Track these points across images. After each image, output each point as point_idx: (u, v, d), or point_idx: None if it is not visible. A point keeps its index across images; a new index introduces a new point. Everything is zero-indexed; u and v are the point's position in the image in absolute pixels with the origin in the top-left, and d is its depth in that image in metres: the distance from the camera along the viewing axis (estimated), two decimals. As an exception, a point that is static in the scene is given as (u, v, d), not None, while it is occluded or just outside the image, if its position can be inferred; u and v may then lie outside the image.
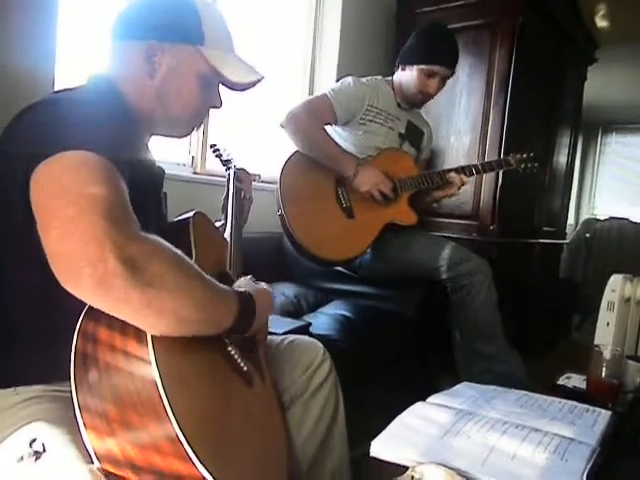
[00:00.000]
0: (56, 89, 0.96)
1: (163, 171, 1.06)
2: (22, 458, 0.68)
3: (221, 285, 0.79)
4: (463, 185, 2.10)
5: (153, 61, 0.93)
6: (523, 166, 2.16)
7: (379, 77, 2.24)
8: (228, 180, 1.39)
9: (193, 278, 0.73)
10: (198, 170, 2.31)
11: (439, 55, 2.09)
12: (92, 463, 0.66)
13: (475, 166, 2.14)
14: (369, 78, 2.20)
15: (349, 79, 2.15)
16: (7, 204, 0.76)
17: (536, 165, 2.17)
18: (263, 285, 0.96)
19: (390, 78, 2.24)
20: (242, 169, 1.43)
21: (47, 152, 0.71)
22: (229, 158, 1.52)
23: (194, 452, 0.63)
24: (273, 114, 2.41)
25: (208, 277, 0.76)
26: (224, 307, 0.79)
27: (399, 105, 2.22)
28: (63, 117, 0.77)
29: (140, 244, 0.68)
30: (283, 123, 2.04)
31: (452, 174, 2.09)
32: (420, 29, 2.17)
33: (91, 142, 0.73)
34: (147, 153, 1.02)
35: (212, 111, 1.08)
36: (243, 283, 0.95)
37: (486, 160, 2.43)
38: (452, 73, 2.13)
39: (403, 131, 2.23)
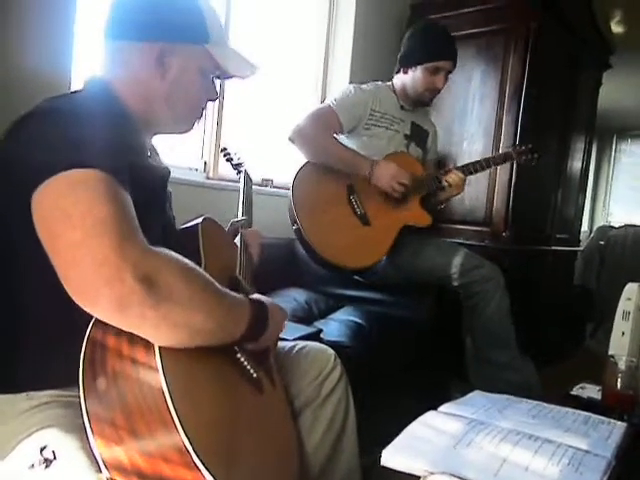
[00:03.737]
0: (71, 89, 0.94)
1: (168, 171, 1.03)
2: (33, 465, 0.68)
3: (234, 293, 0.79)
4: (464, 182, 2.11)
5: (164, 62, 0.92)
6: (524, 158, 2.18)
7: (379, 82, 2.25)
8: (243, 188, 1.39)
9: (206, 289, 0.73)
10: (211, 175, 2.32)
11: (441, 51, 2.11)
12: (101, 472, 0.65)
13: (479, 162, 2.15)
14: (369, 84, 2.22)
15: (350, 87, 2.17)
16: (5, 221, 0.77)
17: (535, 156, 2.18)
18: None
19: (390, 82, 2.25)
20: (253, 231, 1.35)
21: (44, 173, 0.69)
22: (240, 162, 1.52)
23: (202, 462, 0.63)
24: (286, 118, 2.42)
25: (220, 287, 0.76)
26: (237, 315, 0.79)
27: (402, 107, 2.23)
28: (57, 133, 0.74)
29: (152, 259, 0.68)
30: (291, 137, 2.05)
31: (447, 176, 2.09)
32: (413, 31, 2.19)
33: (88, 158, 0.71)
34: (150, 154, 1.00)
35: (225, 115, 1.09)
36: (260, 297, 0.92)
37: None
38: (454, 66, 2.14)
39: (408, 132, 2.24)
